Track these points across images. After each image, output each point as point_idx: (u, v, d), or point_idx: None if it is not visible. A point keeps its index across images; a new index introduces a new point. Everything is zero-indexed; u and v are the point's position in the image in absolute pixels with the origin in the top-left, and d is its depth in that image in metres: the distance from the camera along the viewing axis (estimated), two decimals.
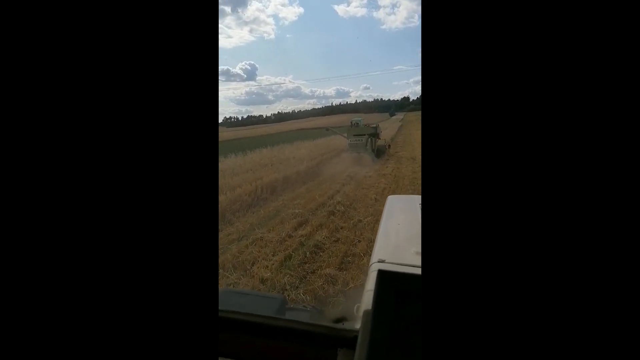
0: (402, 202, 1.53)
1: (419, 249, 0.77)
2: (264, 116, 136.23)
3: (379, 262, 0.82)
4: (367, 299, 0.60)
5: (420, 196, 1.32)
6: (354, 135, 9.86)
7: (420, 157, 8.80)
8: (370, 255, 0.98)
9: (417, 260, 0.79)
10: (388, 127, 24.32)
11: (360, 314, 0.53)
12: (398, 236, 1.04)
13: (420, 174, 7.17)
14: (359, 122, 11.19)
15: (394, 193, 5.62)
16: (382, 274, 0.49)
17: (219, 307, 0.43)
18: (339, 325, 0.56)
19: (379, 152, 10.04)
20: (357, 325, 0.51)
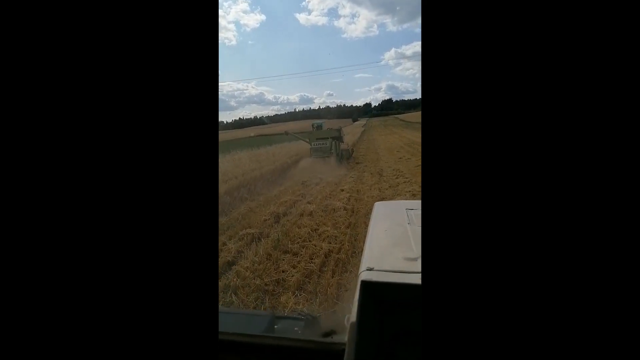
0: (389, 208, 1.37)
1: (408, 255, 0.80)
2: (225, 122, 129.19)
3: (367, 270, 0.78)
4: (355, 311, 0.61)
5: (406, 202, 1.30)
6: (317, 138, 9.04)
7: (387, 169, 5.36)
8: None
9: (406, 266, 0.77)
10: (351, 132, 22.49)
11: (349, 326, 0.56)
12: (386, 243, 0.98)
13: (391, 199, 4.00)
14: (321, 124, 10.37)
15: (346, 256, 3.20)
16: (365, 284, 0.53)
17: None
18: (328, 339, 0.60)
19: (343, 156, 9.21)
20: (346, 338, 0.53)
